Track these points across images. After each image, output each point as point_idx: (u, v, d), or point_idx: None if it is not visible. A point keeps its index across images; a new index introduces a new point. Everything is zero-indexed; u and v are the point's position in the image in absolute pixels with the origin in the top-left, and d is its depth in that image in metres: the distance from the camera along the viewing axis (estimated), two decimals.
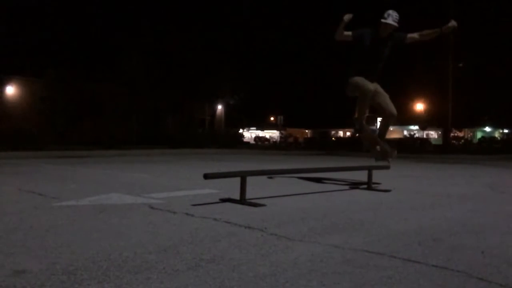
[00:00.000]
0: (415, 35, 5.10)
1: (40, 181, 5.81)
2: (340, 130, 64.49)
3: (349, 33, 4.91)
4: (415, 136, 32.17)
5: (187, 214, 3.32)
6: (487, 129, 54.97)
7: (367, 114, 5.34)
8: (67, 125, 22.23)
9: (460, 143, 26.94)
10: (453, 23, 5.02)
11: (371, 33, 4.99)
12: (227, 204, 3.85)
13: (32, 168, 8.20)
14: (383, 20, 4.89)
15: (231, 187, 4.61)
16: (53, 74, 23.59)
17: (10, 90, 24.68)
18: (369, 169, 5.32)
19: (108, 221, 3.04)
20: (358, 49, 5.09)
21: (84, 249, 2.28)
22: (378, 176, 5.61)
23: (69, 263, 2.02)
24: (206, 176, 3.74)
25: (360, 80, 5.01)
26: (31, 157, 12.31)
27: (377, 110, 5.33)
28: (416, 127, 49.76)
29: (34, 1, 26.33)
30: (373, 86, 5.02)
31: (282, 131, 37.10)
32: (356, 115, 5.28)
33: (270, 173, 5.00)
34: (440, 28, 5.01)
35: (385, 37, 5.01)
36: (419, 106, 46.65)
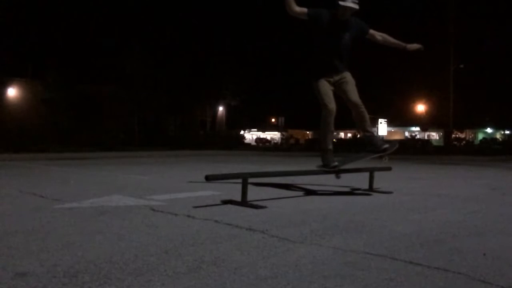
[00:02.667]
0: (377, 35, 4.79)
1: (41, 183, 5.81)
2: (341, 131, 64.44)
3: (304, 10, 4.39)
4: (416, 137, 32.16)
5: (188, 216, 3.32)
6: (489, 130, 54.93)
7: (330, 140, 4.79)
8: (69, 127, 22.25)
9: (462, 144, 26.93)
10: (418, 46, 4.83)
11: (329, 15, 4.51)
12: (229, 206, 3.85)
13: (33, 170, 8.21)
14: (341, 3, 4.36)
15: (233, 188, 4.61)
16: (55, 75, 23.63)
17: (12, 92, 24.74)
18: (371, 170, 5.31)
19: (109, 223, 3.04)
20: (316, 34, 4.64)
21: (86, 251, 2.28)
22: (379, 178, 5.60)
23: (70, 266, 2.02)
24: (208, 178, 3.75)
25: (323, 92, 4.58)
26: (32, 158, 12.32)
27: (343, 98, 4.80)
28: (418, 128, 49.75)
29: (35, 3, 26.38)
30: (333, 103, 4.60)
31: (283, 132, 37.12)
32: (320, 144, 4.81)
33: (271, 175, 4.99)
34: (405, 45, 4.78)
35: (345, 22, 4.55)
36: (420, 108, 46.64)
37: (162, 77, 27.20)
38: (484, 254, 2.35)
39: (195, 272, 1.96)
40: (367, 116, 4.74)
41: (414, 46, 4.86)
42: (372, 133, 4.86)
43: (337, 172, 4.82)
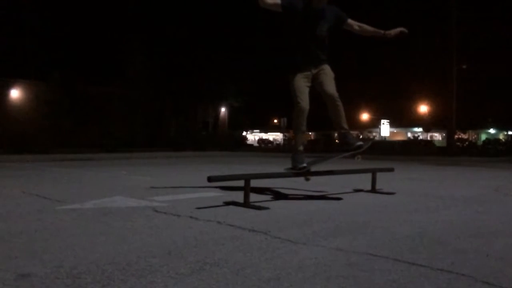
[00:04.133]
0: (355, 25, 4.54)
1: (44, 184, 5.82)
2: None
3: (277, 1, 4.19)
4: (419, 138, 32.11)
5: (191, 217, 3.32)
6: (492, 131, 54.78)
7: (302, 141, 4.51)
8: (71, 128, 22.30)
9: (465, 145, 26.88)
10: (400, 30, 4.57)
11: (303, 4, 4.30)
12: (231, 207, 3.85)
13: (36, 171, 8.23)
14: None
15: (235, 190, 4.61)
16: (58, 77, 23.69)
17: (15, 93, 24.80)
18: (373, 171, 5.31)
19: (112, 224, 3.04)
20: (291, 25, 4.42)
21: (88, 252, 2.28)
22: (382, 179, 5.59)
23: (73, 267, 2.02)
24: (210, 179, 3.75)
25: (297, 88, 4.34)
26: (35, 160, 12.35)
27: (318, 90, 4.52)
28: (420, 129, 49.66)
29: (38, 4, 26.50)
30: (306, 101, 4.34)
31: (286, 134, 37.08)
32: (296, 139, 4.53)
33: (274, 176, 4.99)
34: (383, 32, 4.51)
35: (321, 10, 4.33)
36: (423, 108, 46.57)
37: (165, 78, 27.25)
38: (487, 255, 2.34)
39: (198, 273, 1.97)
40: (343, 111, 4.45)
41: (395, 31, 4.58)
42: (347, 130, 4.54)
43: (307, 174, 4.51)
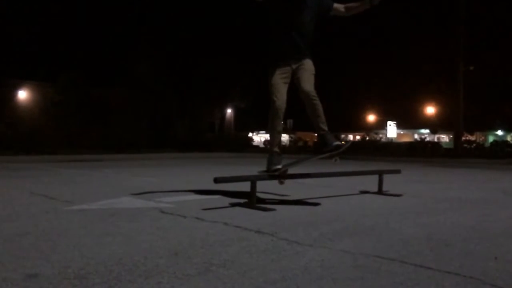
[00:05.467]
0: (340, 8, 4.26)
1: (51, 185, 5.86)
2: (350, 134, 64.22)
3: None
4: (426, 140, 31.92)
5: (197, 218, 3.33)
6: (499, 132, 54.39)
7: (278, 141, 4.24)
8: (79, 129, 22.43)
9: (472, 146, 26.69)
10: None
11: None
12: (237, 208, 3.85)
13: (44, 171, 8.28)
14: None
15: (241, 191, 4.61)
16: (65, 78, 23.85)
17: (23, 94, 25.00)
18: (380, 173, 5.29)
19: (119, 225, 3.05)
20: (272, 16, 4.14)
21: (96, 253, 2.29)
22: (388, 180, 5.57)
23: (80, 267, 2.03)
24: (216, 180, 3.75)
25: (275, 85, 4.06)
26: (43, 161, 12.43)
27: (296, 86, 4.19)
28: (427, 131, 49.43)
29: (45, 7, 26.69)
30: (282, 100, 4.06)
31: (292, 135, 37.03)
32: (272, 140, 4.24)
33: (280, 178, 4.99)
34: (369, 1, 4.09)
35: None
36: (430, 110, 46.36)
37: (171, 80, 27.34)
38: (496, 258, 2.32)
39: (204, 275, 1.97)
40: (321, 110, 4.13)
41: None
42: (326, 131, 4.19)
43: (281, 177, 4.22)
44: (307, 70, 4.13)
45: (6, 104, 23.78)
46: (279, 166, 4.11)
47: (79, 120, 23.15)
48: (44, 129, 20.26)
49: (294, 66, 4.11)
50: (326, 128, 4.19)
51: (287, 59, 4.11)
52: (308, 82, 4.08)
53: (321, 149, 4.22)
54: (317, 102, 4.08)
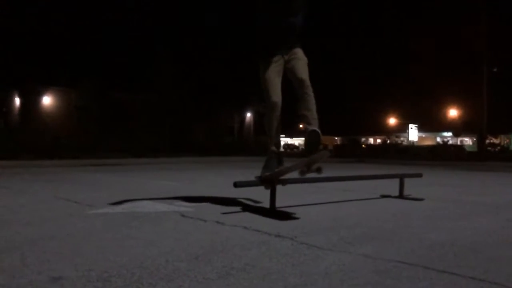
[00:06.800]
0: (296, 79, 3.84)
1: (75, 189, 5.97)
2: (371, 137, 63.61)
3: None
4: (448, 143, 31.41)
5: (217, 222, 3.34)
6: None
7: (279, 137, 3.93)
8: (101, 134, 22.80)
9: (496, 150, 26.12)
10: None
11: None
12: (257, 212, 3.85)
13: (67, 176, 8.44)
14: None
15: (261, 195, 4.61)
16: (88, 84, 24.28)
17: (47, 100, 25.54)
18: (401, 177, 5.22)
19: (140, 228, 3.09)
20: (259, 2, 3.81)
21: (118, 256, 2.32)
22: (410, 184, 5.50)
23: (103, 270, 2.06)
24: (236, 185, 3.76)
25: (268, 80, 3.75)
26: (66, 165, 12.67)
27: (290, 78, 3.89)
28: (450, 134, 48.61)
29: (67, 14, 27.26)
30: (278, 95, 3.76)
31: None
32: (269, 139, 3.89)
33: (300, 182, 4.97)
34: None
35: None
36: (453, 112, 45.59)
37: (191, 85, 27.57)
38: None
39: (225, 279, 1.98)
40: (313, 103, 3.78)
41: None
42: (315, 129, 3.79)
43: (268, 183, 3.77)
44: (301, 59, 3.86)
45: (30, 110, 24.33)
46: (268, 173, 3.74)
47: (101, 125, 23.53)
48: (67, 134, 20.66)
49: (286, 57, 3.85)
50: (316, 125, 3.82)
51: (278, 50, 3.83)
52: (303, 71, 3.80)
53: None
54: (311, 93, 3.78)
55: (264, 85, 3.80)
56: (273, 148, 3.94)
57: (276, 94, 3.77)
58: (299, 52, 3.88)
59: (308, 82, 3.77)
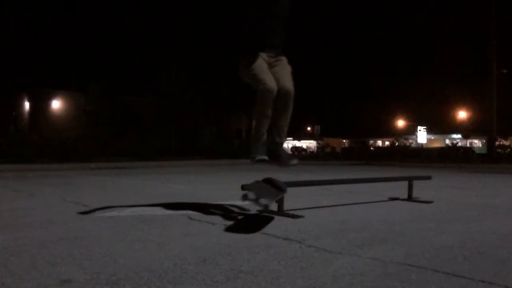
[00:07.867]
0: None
1: (84, 192, 6.00)
2: (379, 140, 63.31)
3: None
4: (458, 145, 31.15)
5: (225, 225, 3.34)
6: None
7: (266, 128, 3.51)
8: (109, 137, 22.93)
9: (506, 152, 25.86)
10: None
11: None
12: (265, 215, 3.85)
13: (76, 179, 8.50)
14: None
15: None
16: (96, 88, 24.47)
17: (56, 103, 25.76)
18: (410, 179, 5.19)
19: (148, 231, 3.10)
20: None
21: (127, 259, 2.33)
22: (419, 186, 5.46)
23: (112, 273, 2.07)
24: (244, 187, 3.76)
25: (258, 68, 3.41)
26: (74, 168, 12.75)
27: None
28: (459, 136, 48.23)
29: (77, 19, 27.56)
30: (273, 82, 3.37)
31: (319, 141, 36.79)
32: (253, 131, 3.55)
33: (308, 184, 4.96)
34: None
35: None
36: (462, 114, 45.26)
37: (199, 88, 27.67)
38: None
39: (233, 281, 1.97)
40: (289, 117, 3.58)
41: None
42: (282, 143, 3.63)
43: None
44: (286, 67, 3.59)
45: (40, 114, 24.56)
46: (265, 158, 3.49)
47: (110, 128, 23.67)
48: (76, 137, 20.81)
49: (271, 60, 3.55)
50: (282, 140, 3.63)
51: (262, 47, 3.52)
52: (289, 80, 3.52)
53: (277, 160, 3.58)
54: (291, 106, 3.53)
55: (254, 76, 3.41)
56: (264, 136, 3.53)
57: (270, 79, 3.37)
58: (284, 59, 3.63)
59: (293, 93, 3.50)
